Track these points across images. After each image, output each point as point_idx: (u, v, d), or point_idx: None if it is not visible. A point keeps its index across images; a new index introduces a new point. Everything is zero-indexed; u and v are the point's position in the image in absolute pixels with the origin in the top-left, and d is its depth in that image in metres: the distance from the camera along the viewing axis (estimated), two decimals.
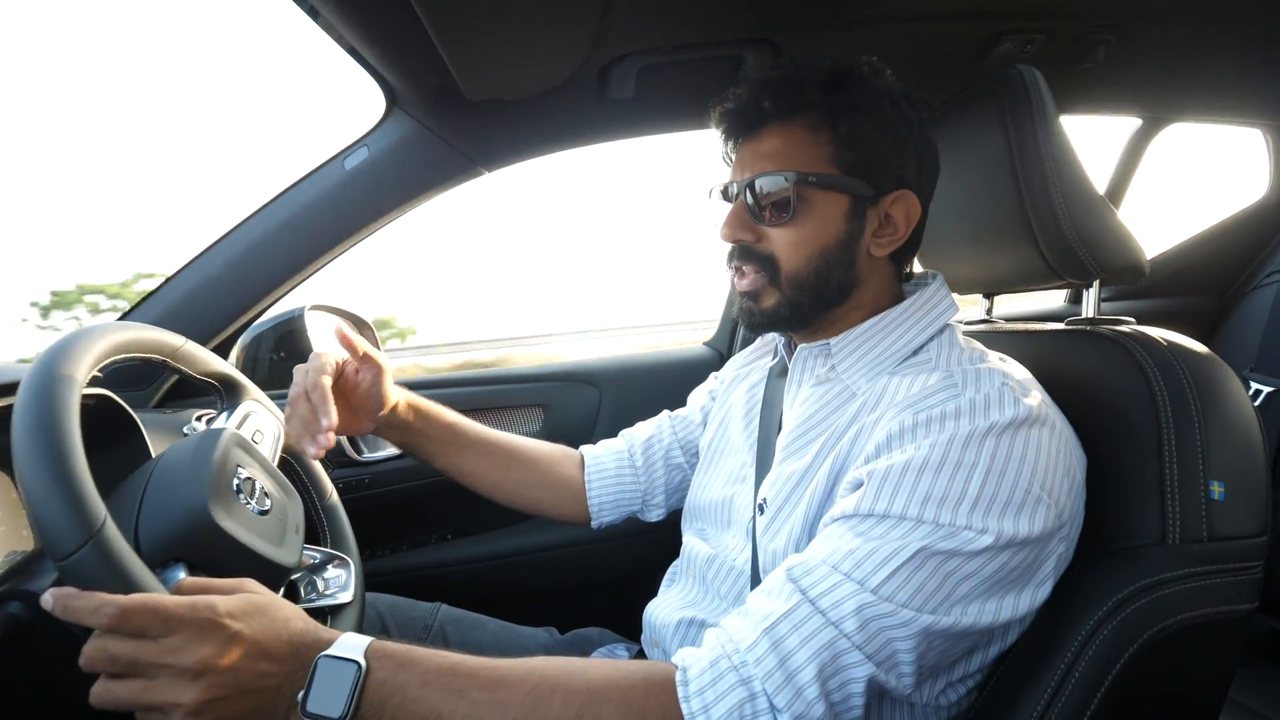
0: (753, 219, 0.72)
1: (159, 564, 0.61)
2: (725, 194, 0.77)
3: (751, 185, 0.71)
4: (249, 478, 0.75)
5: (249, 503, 0.72)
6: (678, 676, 0.55)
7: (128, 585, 0.52)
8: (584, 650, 0.97)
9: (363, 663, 0.52)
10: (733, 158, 0.77)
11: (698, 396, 1.02)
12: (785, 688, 0.53)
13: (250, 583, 0.58)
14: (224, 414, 0.87)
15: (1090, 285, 0.80)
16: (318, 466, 0.93)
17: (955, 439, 0.58)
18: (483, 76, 1.01)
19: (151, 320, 1.13)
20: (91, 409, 0.76)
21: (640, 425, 1.04)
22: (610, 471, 0.99)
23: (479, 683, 0.53)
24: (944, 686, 0.65)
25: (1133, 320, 0.76)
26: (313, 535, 0.87)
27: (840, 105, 0.69)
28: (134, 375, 1.12)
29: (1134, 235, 0.79)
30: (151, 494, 0.67)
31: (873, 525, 0.58)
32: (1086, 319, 0.80)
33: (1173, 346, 0.68)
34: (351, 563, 0.86)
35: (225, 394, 0.88)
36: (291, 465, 0.90)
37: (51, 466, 0.52)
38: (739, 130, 0.75)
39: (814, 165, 0.70)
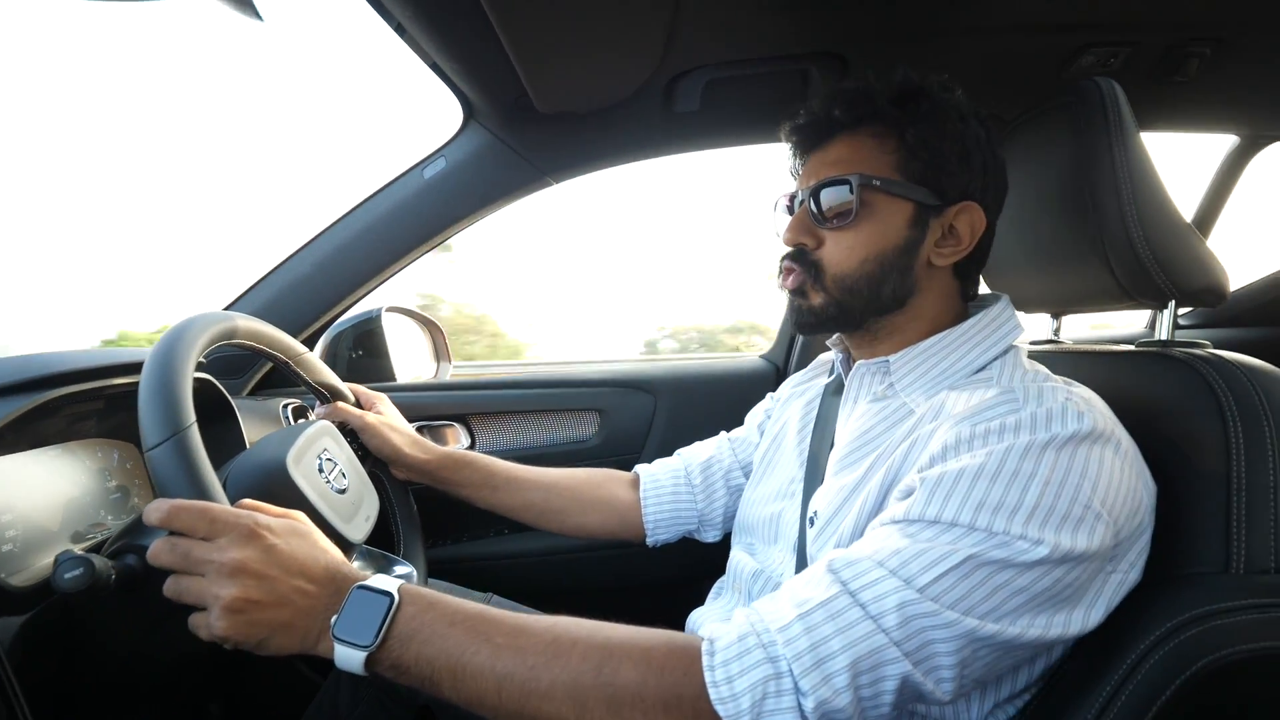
0: (814, 224, 0.73)
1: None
2: (790, 205, 0.78)
3: (815, 191, 0.72)
4: (331, 459, 0.81)
5: (328, 480, 0.78)
6: (704, 647, 0.55)
7: (197, 481, 0.60)
8: None
9: (396, 596, 0.55)
10: (800, 170, 0.78)
11: (755, 415, 1.03)
12: (813, 671, 0.52)
13: (299, 514, 0.63)
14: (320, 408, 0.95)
15: (1165, 307, 0.77)
16: (402, 486, 0.99)
17: (1014, 449, 0.57)
18: (555, 90, 1.05)
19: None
20: (194, 392, 0.85)
21: (697, 445, 1.05)
22: (667, 489, 1.00)
23: (503, 629, 0.56)
24: (991, 707, 0.63)
25: (1209, 344, 0.72)
26: (387, 543, 0.92)
27: (908, 115, 0.70)
28: (230, 365, 1.21)
29: (1215, 256, 0.75)
30: (243, 456, 0.75)
31: (923, 529, 0.56)
32: (1159, 341, 0.76)
33: (1249, 370, 0.64)
34: (417, 572, 0.89)
35: (329, 401, 0.96)
36: (380, 479, 0.96)
37: (162, 380, 0.62)
38: (808, 141, 0.76)
39: (878, 170, 0.70)
